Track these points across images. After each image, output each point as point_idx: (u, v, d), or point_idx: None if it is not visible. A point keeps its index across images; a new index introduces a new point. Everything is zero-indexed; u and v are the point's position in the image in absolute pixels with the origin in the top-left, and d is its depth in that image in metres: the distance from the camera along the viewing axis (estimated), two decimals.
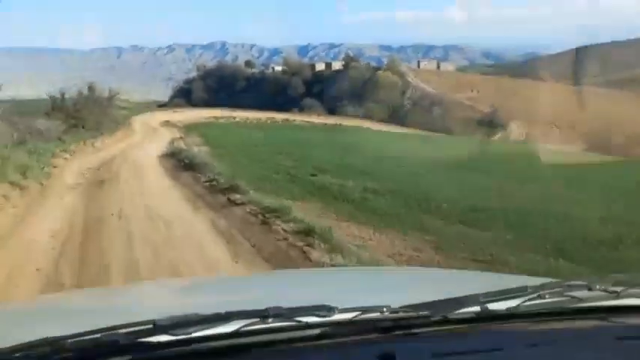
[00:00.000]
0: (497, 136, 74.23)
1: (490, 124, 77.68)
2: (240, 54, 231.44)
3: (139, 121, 41.35)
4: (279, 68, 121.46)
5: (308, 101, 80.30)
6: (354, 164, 19.97)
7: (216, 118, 50.72)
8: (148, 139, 29.32)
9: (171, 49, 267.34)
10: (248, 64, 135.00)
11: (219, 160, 18.52)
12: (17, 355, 0.98)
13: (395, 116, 78.70)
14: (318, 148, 26.39)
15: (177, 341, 1.05)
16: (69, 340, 1.00)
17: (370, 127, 61.62)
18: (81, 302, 2.16)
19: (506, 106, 78.97)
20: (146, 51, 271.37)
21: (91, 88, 33.08)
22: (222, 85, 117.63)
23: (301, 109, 74.28)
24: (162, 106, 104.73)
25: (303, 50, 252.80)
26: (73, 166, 16.54)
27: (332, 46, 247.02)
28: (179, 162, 18.43)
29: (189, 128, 38.61)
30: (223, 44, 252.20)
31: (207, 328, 1.07)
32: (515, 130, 75.92)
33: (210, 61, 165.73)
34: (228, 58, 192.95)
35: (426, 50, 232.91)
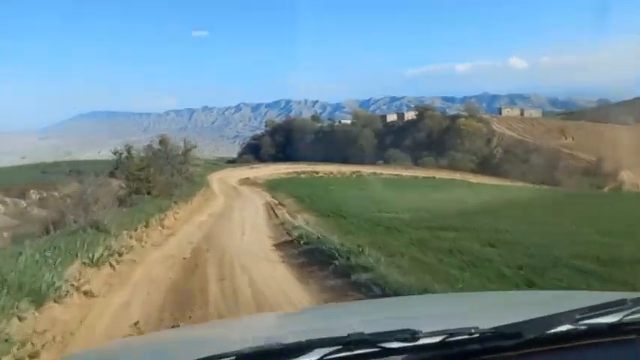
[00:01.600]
0: (608, 187, 62.30)
1: (597, 173, 65.62)
2: (303, 110, 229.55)
3: (216, 180, 33.80)
4: (346, 121, 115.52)
5: (392, 152, 71.42)
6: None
7: (297, 173, 42.71)
8: (235, 204, 21.04)
9: (238, 108, 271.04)
10: (315, 118, 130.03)
11: (354, 242, 9.68)
12: None
13: (485, 167, 68.37)
14: (482, 216, 16.96)
15: None
16: None
17: (468, 180, 51.52)
18: (173, 338, 2.19)
19: (607, 154, 67.31)
20: (215, 111, 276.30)
21: (163, 141, 25.49)
22: (290, 139, 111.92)
23: (386, 161, 65.53)
24: (231, 162, 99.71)
25: (365, 104, 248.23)
26: (114, 300, 7.34)
27: (393, 99, 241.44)
28: (294, 247, 10.19)
29: (272, 186, 30.63)
30: (287, 101, 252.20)
31: (290, 358, 1.04)
32: (628, 180, 64.04)
33: (275, 117, 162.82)
34: (293, 115, 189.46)
35: (491, 100, 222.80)
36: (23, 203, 28.34)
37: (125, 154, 23.00)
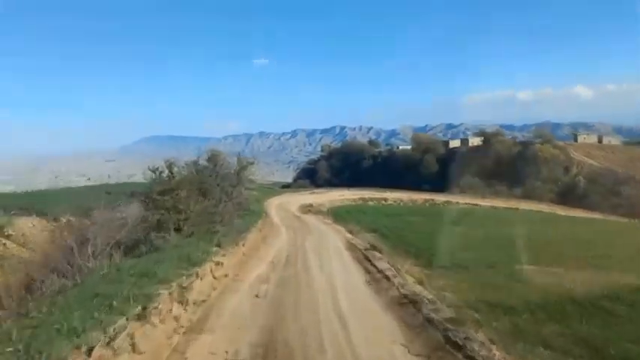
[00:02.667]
0: None
1: None
2: (358, 136, 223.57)
3: (274, 206, 27.86)
4: (405, 147, 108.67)
5: (466, 180, 63.54)
6: None
7: (363, 200, 36.12)
8: (307, 244, 14.62)
9: (294, 133, 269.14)
10: (372, 143, 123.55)
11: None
12: None
13: (566, 197, 59.20)
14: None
15: None
16: None
17: (556, 212, 43.02)
18: None
19: None
20: (272, 136, 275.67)
21: (212, 157, 19.69)
22: (346, 164, 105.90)
23: (461, 189, 57.81)
24: (285, 186, 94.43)
25: (421, 130, 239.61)
26: None
27: (450, 125, 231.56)
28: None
29: (341, 216, 24.28)
30: (342, 127, 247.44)
31: None
32: None
33: (330, 143, 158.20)
34: (348, 140, 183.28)
35: (553, 128, 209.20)
36: (87, 222, 27.37)
37: (166, 172, 17.19)
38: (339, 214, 25.32)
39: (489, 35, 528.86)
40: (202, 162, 19.07)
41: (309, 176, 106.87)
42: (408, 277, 9.55)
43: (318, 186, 76.69)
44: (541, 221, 28.43)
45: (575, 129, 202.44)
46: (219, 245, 9.86)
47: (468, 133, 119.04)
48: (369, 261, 10.61)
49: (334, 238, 15.80)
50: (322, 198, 35.63)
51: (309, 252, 12.68)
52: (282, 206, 28.65)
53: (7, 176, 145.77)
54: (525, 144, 78.96)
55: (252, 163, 19.55)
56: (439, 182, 70.12)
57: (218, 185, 17.48)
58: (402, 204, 36.30)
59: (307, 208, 28.30)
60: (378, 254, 11.47)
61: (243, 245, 11.74)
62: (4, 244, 19.44)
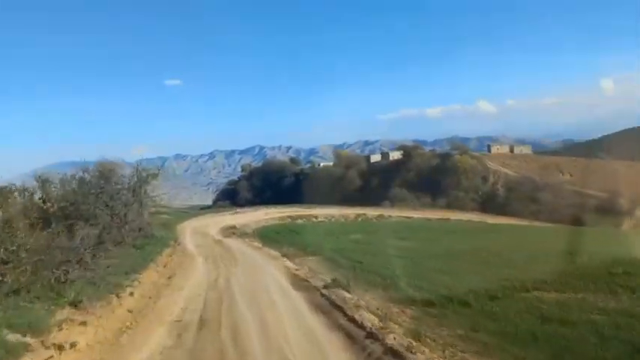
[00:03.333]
0: (625, 225, 53.68)
1: (611, 210, 56.68)
2: (277, 156, 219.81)
3: (190, 231, 22.86)
4: (327, 163, 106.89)
5: (396, 192, 61.66)
6: None
7: (291, 217, 31.97)
8: (233, 282, 9.98)
9: (212, 155, 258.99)
10: (293, 161, 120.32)
11: None
12: None
13: (488, 205, 59.20)
14: None
15: None
16: None
17: (486, 221, 41.91)
18: None
19: (614, 190, 59.39)
20: (189, 159, 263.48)
21: (103, 171, 14.79)
22: (267, 183, 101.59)
23: (391, 202, 55.65)
24: (204, 208, 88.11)
25: (339, 148, 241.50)
26: None
27: (367, 142, 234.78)
28: None
29: (272, 238, 20.09)
30: (262, 147, 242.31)
31: None
32: None
33: (250, 163, 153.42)
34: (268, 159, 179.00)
35: (463, 142, 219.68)
36: None
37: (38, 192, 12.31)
38: (267, 236, 21.01)
39: (400, 57, 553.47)
40: (91, 177, 14.10)
41: (230, 197, 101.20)
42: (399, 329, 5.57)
43: (240, 206, 71.21)
44: (482, 231, 25.99)
45: (482, 142, 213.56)
46: (75, 304, 5.35)
47: (384, 149, 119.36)
48: (343, 311, 6.49)
49: (270, 268, 11.54)
50: (246, 218, 31.06)
51: (238, 298, 8.25)
52: (200, 229, 23.71)
53: None
54: (444, 156, 79.52)
55: (155, 175, 14.75)
56: (365, 196, 68.00)
57: (108, 206, 12.60)
58: (333, 220, 32.70)
59: (230, 231, 23.63)
60: (346, 294, 7.38)
61: (132, 294, 7.19)
62: None
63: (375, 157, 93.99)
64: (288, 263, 12.19)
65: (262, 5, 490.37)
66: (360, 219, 35.19)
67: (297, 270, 10.86)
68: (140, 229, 14.26)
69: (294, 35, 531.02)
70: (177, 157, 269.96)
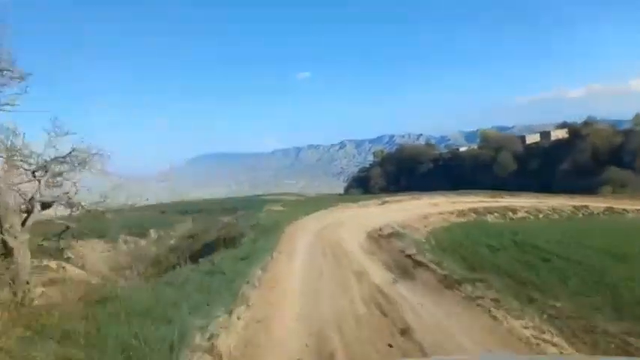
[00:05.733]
0: None
1: None
2: (408, 144, 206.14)
3: (307, 241, 12.61)
4: (463, 148, 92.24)
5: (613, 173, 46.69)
6: None
7: (476, 212, 20.12)
8: None
9: (342, 145, 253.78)
10: (429, 145, 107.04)
11: None
12: None
13: None
14: None
15: None
16: None
17: None
18: None
19: None
20: (321, 149, 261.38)
21: None
22: (402, 169, 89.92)
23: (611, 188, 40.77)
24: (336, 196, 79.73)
25: (471, 136, 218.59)
26: None
27: (503, 128, 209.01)
28: None
29: (489, 265, 8.64)
30: (391, 136, 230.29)
31: None
32: None
33: (382, 150, 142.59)
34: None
35: (616, 124, 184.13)
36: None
37: None
38: (479, 260, 9.92)
39: (529, 33, 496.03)
40: None
41: (362, 185, 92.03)
42: None
43: (372, 194, 60.01)
44: None
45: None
46: None
47: (523, 135, 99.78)
48: None
49: None
50: (404, 211, 20.10)
51: None
52: (326, 236, 13.39)
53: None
54: (629, 132, 60.85)
55: None
56: (522, 182, 53.25)
57: None
58: (541, 216, 20.17)
59: (383, 233, 12.86)
60: None
61: None
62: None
63: (533, 138, 76.78)
64: None
65: None
66: (580, 214, 22.16)
67: None
68: None
69: (417, 23, 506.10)
70: (310, 147, 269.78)
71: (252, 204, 31.17)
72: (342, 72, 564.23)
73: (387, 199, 26.72)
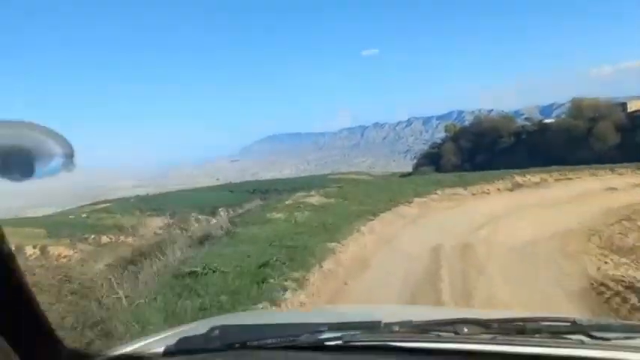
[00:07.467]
0: None
1: None
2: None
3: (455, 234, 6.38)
4: (549, 120, 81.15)
5: None
6: None
7: None
8: None
9: (409, 122, 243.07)
10: (507, 117, 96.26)
11: None
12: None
13: None
14: None
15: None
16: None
17: None
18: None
19: None
20: (387, 127, 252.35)
21: None
22: (479, 144, 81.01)
23: None
24: (404, 176, 72.95)
25: (547, 110, 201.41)
26: None
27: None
28: None
29: None
30: (460, 112, 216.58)
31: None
32: None
33: (454, 124, 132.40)
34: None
35: None
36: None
37: None
38: None
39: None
40: None
41: (434, 162, 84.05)
42: None
43: (443, 172, 51.28)
44: None
45: None
46: None
47: (624, 102, 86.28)
48: None
49: None
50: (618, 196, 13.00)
51: None
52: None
53: (139, 181, 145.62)
54: None
55: None
56: (628, 156, 43.69)
57: None
58: None
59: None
60: None
61: None
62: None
63: (635, 104, 65.11)
64: None
65: None
66: None
67: None
68: None
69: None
70: (376, 125, 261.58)
71: (321, 182, 27.26)
72: (409, 48, 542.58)
73: (560, 176, 17.76)
